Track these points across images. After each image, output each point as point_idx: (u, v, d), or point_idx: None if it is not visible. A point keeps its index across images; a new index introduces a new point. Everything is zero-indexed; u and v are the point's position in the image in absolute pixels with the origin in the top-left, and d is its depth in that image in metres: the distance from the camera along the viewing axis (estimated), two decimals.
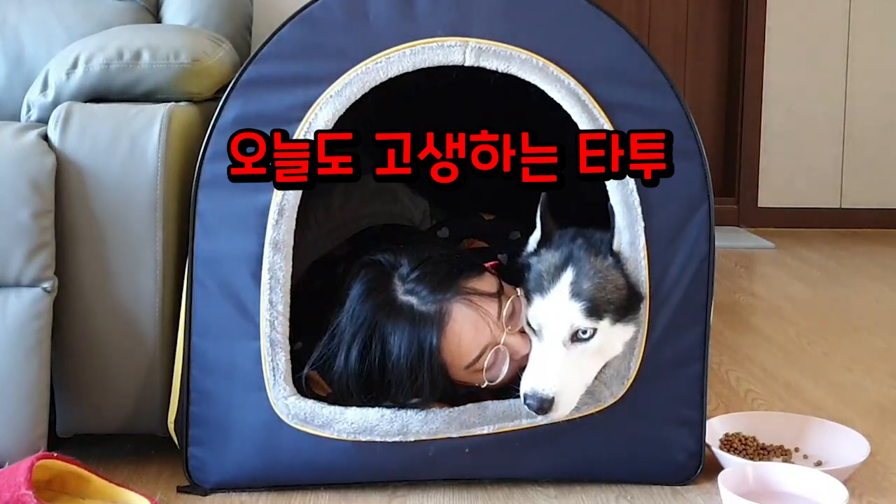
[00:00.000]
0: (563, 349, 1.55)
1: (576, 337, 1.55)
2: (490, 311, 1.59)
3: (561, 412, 1.55)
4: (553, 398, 1.53)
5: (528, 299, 1.61)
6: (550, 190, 1.62)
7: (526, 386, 1.55)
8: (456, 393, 1.62)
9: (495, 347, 1.59)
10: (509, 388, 1.61)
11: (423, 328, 1.56)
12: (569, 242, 1.61)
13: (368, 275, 1.61)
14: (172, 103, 1.69)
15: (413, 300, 1.58)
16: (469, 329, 1.58)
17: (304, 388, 1.61)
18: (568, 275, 1.57)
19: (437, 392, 1.58)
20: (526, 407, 1.55)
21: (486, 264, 1.70)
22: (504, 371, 1.60)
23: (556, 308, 1.56)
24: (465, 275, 1.61)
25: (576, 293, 1.55)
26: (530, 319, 1.60)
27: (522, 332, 1.62)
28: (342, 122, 1.58)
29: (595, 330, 1.55)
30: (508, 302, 1.60)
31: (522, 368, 1.59)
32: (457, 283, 1.59)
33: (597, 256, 1.59)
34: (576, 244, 1.61)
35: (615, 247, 1.60)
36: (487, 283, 1.62)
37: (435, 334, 1.55)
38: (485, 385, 1.61)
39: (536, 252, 1.65)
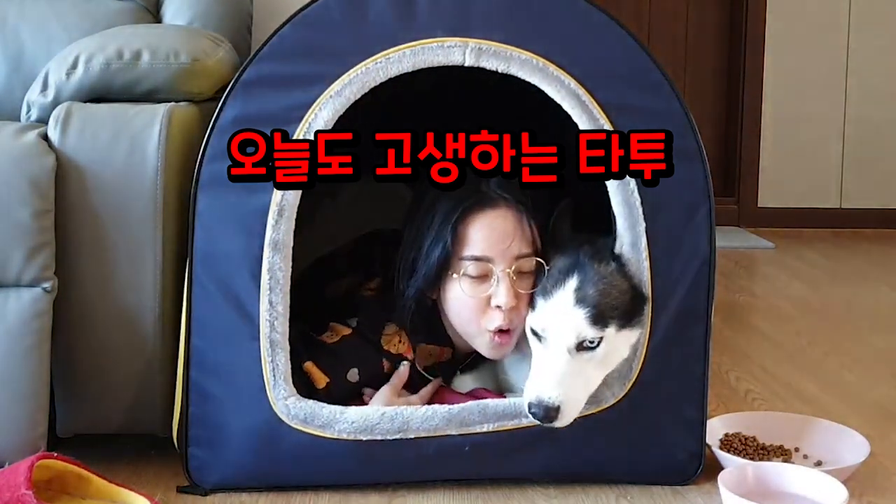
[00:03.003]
0: (567, 356, 1.55)
1: (581, 346, 1.55)
2: (522, 241, 1.63)
3: (564, 421, 1.55)
4: (559, 406, 1.52)
5: (532, 303, 1.61)
6: (550, 189, 1.62)
7: (531, 394, 1.55)
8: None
9: (497, 274, 1.62)
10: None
11: (467, 199, 1.62)
12: (576, 248, 1.62)
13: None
14: (172, 103, 1.69)
15: (482, 180, 1.64)
16: (496, 228, 1.63)
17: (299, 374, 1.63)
18: (573, 281, 1.57)
19: (431, 269, 1.64)
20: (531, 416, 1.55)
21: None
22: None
23: (560, 314, 1.56)
24: (534, 208, 1.66)
25: (580, 299, 1.55)
26: (534, 324, 1.60)
27: (519, 298, 1.63)
28: (342, 122, 1.58)
29: (601, 339, 1.55)
30: (534, 260, 1.64)
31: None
32: (525, 198, 1.65)
33: (601, 263, 1.59)
34: (582, 250, 1.61)
35: (617, 250, 1.60)
36: (535, 237, 1.66)
37: (472, 207, 1.62)
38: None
39: (546, 256, 1.65)
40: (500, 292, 1.62)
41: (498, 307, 1.63)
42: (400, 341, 1.72)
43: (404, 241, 1.70)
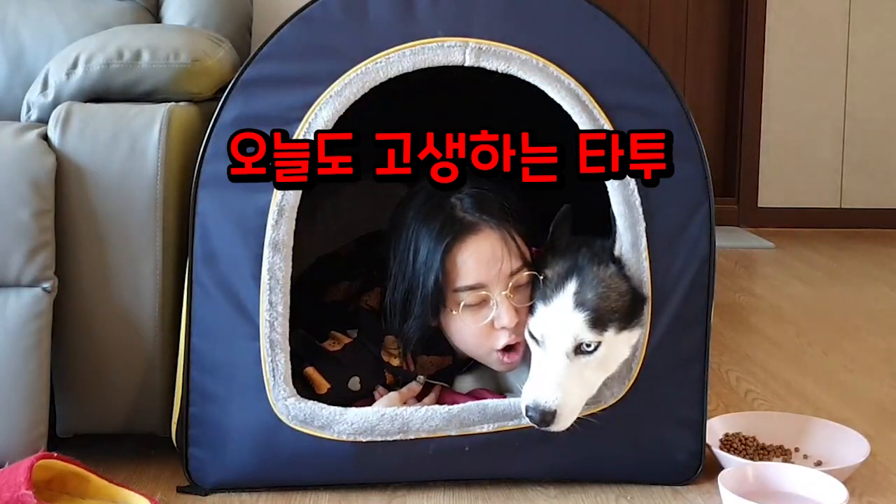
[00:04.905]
0: (565, 360, 1.55)
1: (580, 350, 1.55)
2: (512, 259, 1.61)
3: (562, 425, 1.55)
4: (555, 411, 1.52)
5: (532, 308, 1.61)
6: (550, 190, 1.62)
7: (528, 398, 1.55)
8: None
9: (495, 298, 1.60)
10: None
11: (448, 231, 1.60)
12: (574, 252, 1.61)
13: (426, 195, 1.65)
14: (172, 103, 1.69)
15: (457, 204, 1.62)
16: (484, 254, 1.60)
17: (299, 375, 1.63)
18: (572, 285, 1.57)
19: (427, 308, 1.61)
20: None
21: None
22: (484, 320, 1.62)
23: (559, 318, 1.56)
24: (515, 219, 1.64)
25: (580, 303, 1.55)
26: (533, 329, 1.59)
27: (520, 312, 1.62)
28: (342, 122, 1.58)
29: (599, 343, 1.55)
30: (526, 273, 1.62)
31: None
32: (504, 214, 1.63)
33: (599, 265, 1.58)
34: (580, 253, 1.60)
35: (616, 252, 1.59)
36: (524, 246, 1.64)
37: (455, 239, 1.60)
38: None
39: (544, 261, 1.64)
40: (502, 314, 1.61)
41: (503, 328, 1.62)
42: (400, 355, 1.72)
43: (389, 276, 1.67)
